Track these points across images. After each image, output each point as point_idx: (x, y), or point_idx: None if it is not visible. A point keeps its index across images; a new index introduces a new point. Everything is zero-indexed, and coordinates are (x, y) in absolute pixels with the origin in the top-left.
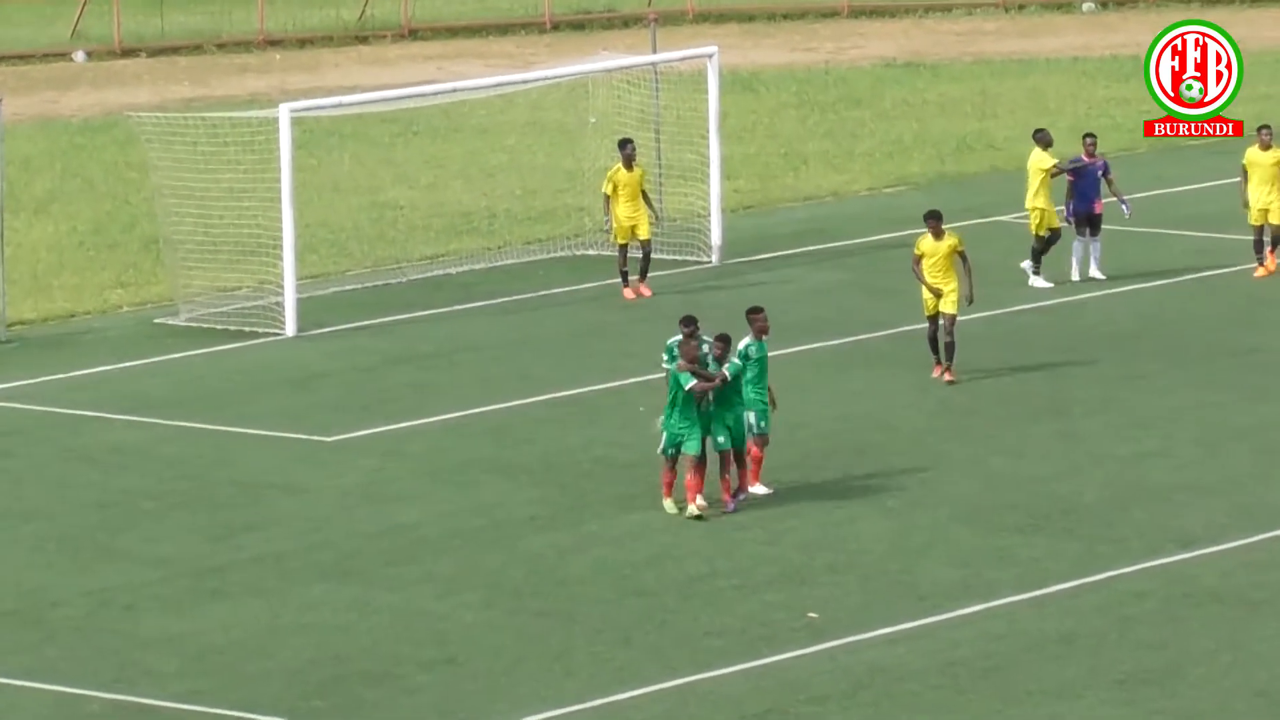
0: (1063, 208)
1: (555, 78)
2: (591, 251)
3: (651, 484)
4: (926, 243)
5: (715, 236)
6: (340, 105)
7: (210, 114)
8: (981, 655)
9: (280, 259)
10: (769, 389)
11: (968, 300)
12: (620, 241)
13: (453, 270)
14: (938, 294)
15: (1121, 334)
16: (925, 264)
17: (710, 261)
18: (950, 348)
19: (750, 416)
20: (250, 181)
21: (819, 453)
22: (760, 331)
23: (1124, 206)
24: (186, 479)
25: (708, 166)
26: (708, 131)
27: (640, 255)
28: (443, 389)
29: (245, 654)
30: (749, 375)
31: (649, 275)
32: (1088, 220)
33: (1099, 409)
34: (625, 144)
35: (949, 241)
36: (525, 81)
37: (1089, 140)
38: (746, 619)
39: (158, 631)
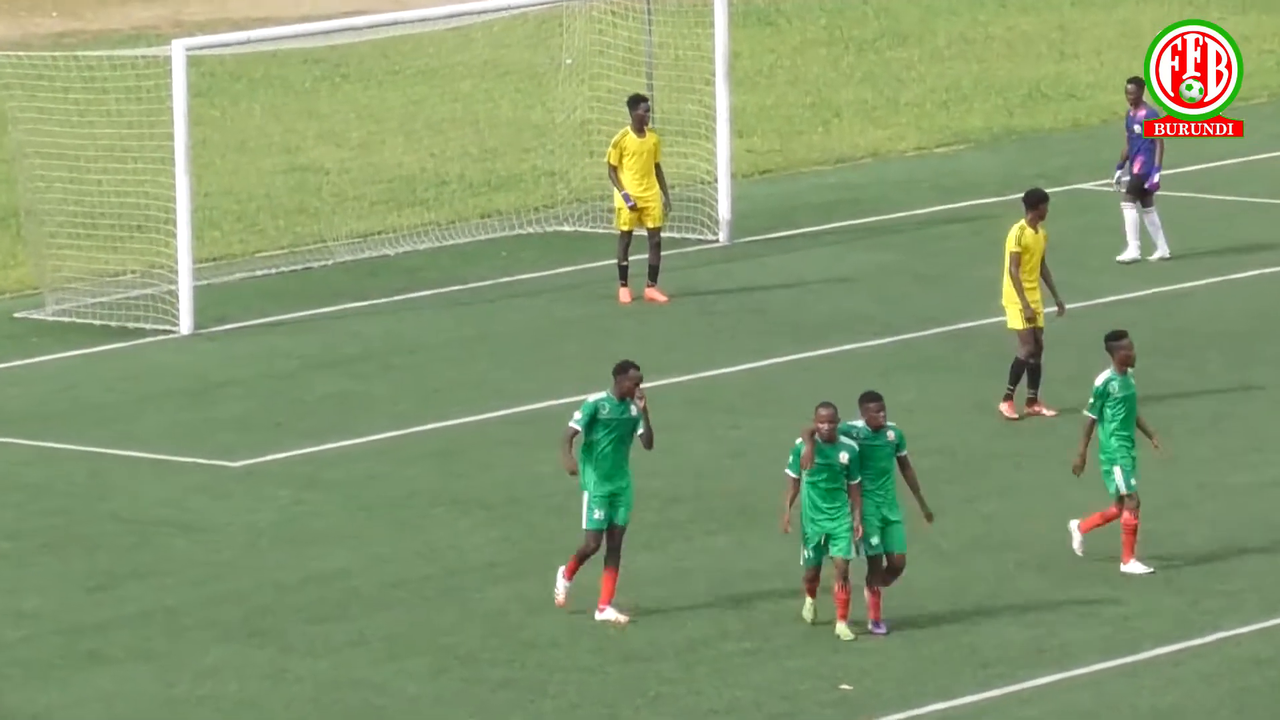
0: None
1: (521, 7)
2: (566, 228)
3: (644, 522)
4: (1029, 235)
5: (723, 209)
6: (249, 42)
7: (85, 53)
8: None
9: (173, 237)
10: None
11: (1057, 312)
12: (624, 227)
13: (391, 251)
14: (1028, 311)
15: (1234, 333)
16: (1025, 264)
17: (716, 240)
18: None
19: (1117, 473)
20: (135, 139)
21: None
22: (1124, 363)
23: (1119, 173)
24: (56, 514)
25: (713, 121)
26: (713, 76)
27: (649, 248)
28: (377, 401)
29: None
30: (1112, 420)
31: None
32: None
33: (1206, 428)
34: (637, 102)
35: (1045, 234)
36: (483, 12)
37: (1131, 86)
38: (762, 691)
39: (20, 704)
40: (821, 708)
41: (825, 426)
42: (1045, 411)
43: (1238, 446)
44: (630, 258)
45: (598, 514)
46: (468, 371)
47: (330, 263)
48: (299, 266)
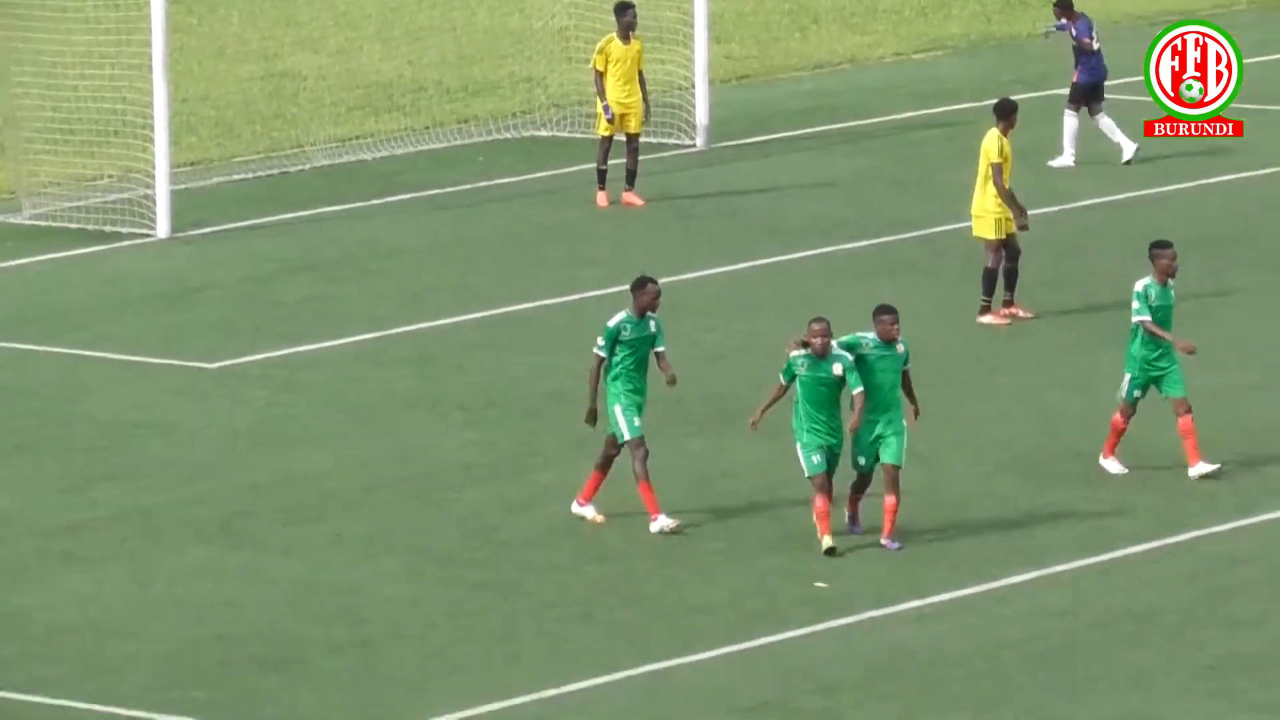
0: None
1: None
2: (543, 133)
3: None
4: (1007, 145)
5: (701, 114)
6: None
7: None
8: (1034, 635)
9: (150, 142)
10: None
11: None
12: (604, 133)
13: (368, 156)
14: (1022, 217)
15: (1211, 238)
16: (1007, 172)
17: (694, 145)
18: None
19: (1125, 381)
20: (113, 45)
21: None
22: (1165, 273)
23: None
24: (31, 415)
25: (691, 27)
26: None
27: (627, 153)
28: (354, 305)
29: (105, 634)
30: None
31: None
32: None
33: (1183, 332)
34: (625, 9)
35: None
36: None
37: (1056, 10)
38: (738, 591)
39: None
40: (797, 606)
41: (818, 341)
42: (1022, 313)
43: (1213, 349)
44: (609, 162)
45: (637, 421)
46: (444, 276)
47: (307, 167)
48: (276, 171)
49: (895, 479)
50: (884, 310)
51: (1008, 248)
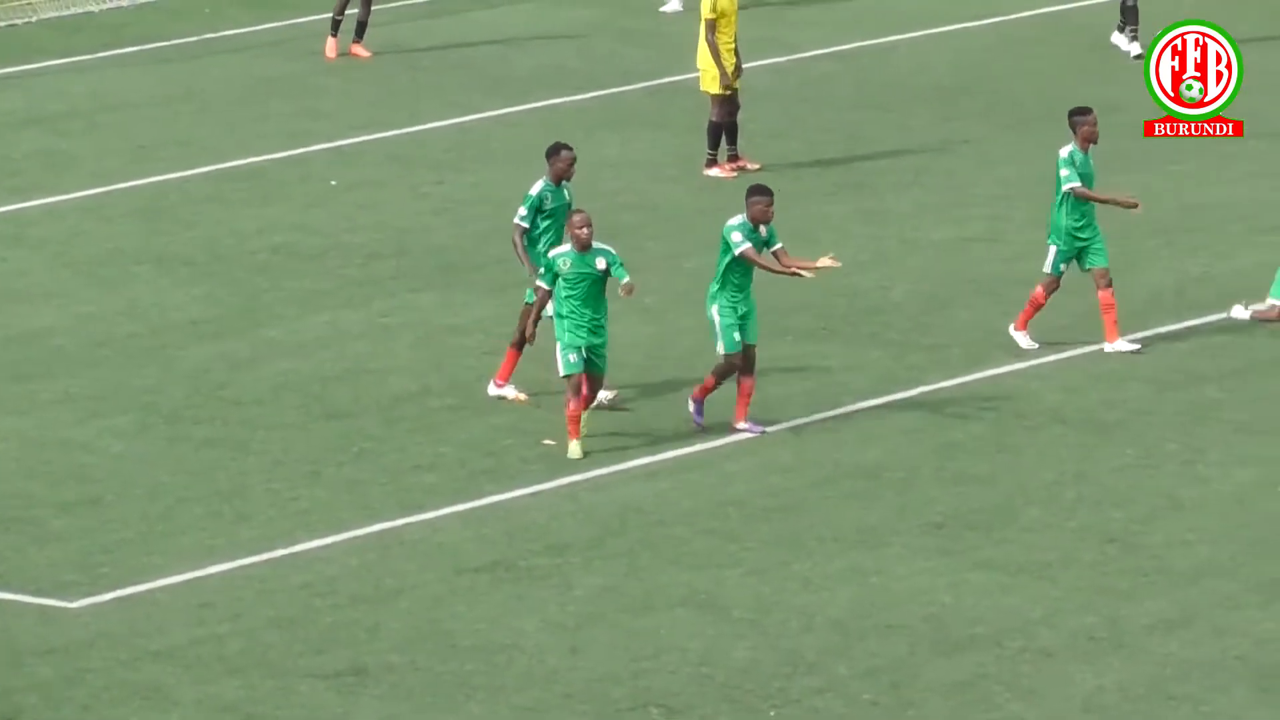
0: None
1: None
2: None
3: (347, 279)
4: (724, 0)
5: None
6: None
7: None
8: (761, 492)
9: None
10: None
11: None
12: None
13: (95, 8)
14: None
15: (940, 88)
16: (723, 29)
17: None
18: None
19: (1050, 252)
20: None
21: None
22: (1087, 139)
23: None
24: None
25: None
26: None
27: (359, 3)
28: (81, 158)
29: None
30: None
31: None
32: None
33: (910, 182)
34: None
35: None
36: None
37: None
38: (465, 446)
39: None
40: (525, 463)
41: (584, 231)
42: (750, 165)
43: (942, 201)
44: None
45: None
46: (172, 129)
47: (34, 20)
48: (2, 24)
49: (753, 358)
50: (761, 191)
51: (733, 101)
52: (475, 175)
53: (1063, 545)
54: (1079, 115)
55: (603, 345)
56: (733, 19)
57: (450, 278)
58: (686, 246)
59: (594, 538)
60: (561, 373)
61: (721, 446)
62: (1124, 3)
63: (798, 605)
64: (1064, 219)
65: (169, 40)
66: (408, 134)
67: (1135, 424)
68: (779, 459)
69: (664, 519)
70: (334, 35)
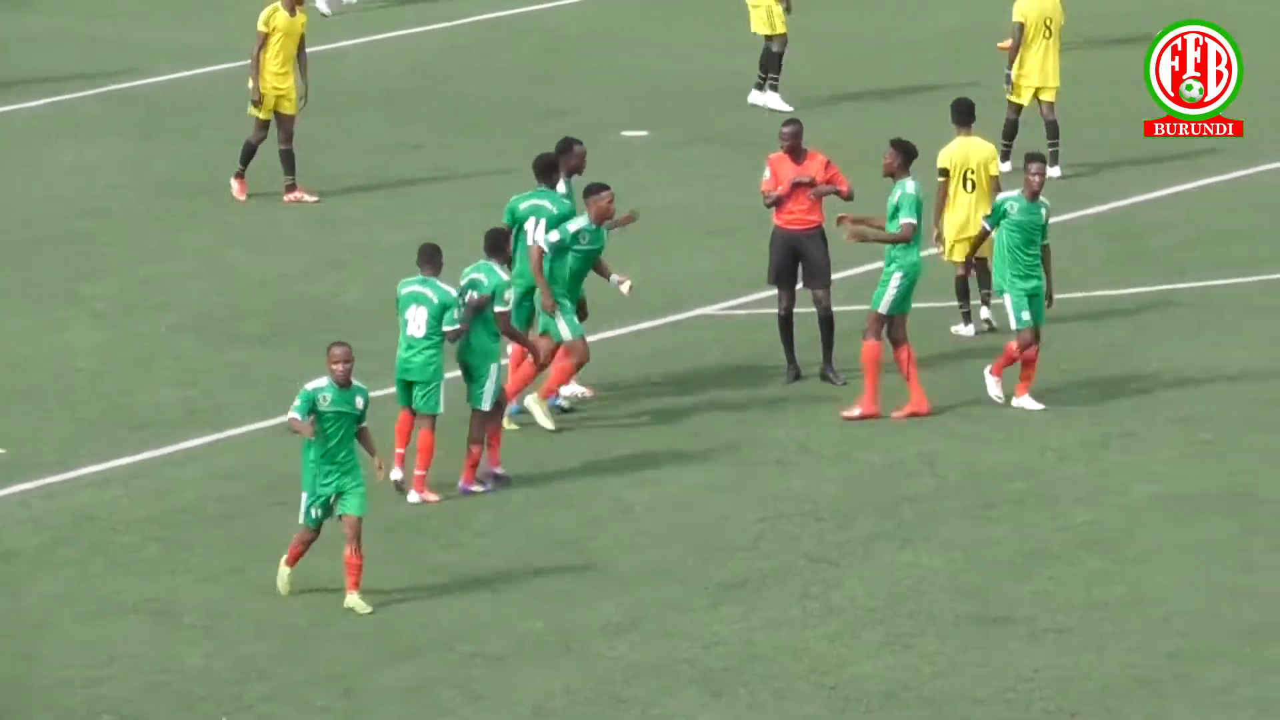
0: None
1: None
2: None
3: None
4: (281, 17)
5: None
6: None
7: None
8: (209, 499)
9: None
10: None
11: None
12: None
13: None
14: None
15: (391, 92)
16: (277, 47)
17: None
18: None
19: (1006, 302)
20: None
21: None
22: (1031, 189)
23: None
24: None
25: None
26: None
27: None
28: None
29: None
30: (1009, 244)
31: None
32: None
33: (364, 185)
34: None
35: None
36: None
37: None
38: None
39: None
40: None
41: (340, 368)
42: (307, 198)
43: (390, 207)
44: None
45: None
46: None
47: None
48: None
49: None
50: (601, 187)
51: (281, 126)
52: None
53: (513, 550)
54: (1032, 162)
55: (359, 484)
56: (293, 41)
57: None
58: (141, 252)
59: (45, 545)
60: (300, 521)
61: (172, 453)
62: (767, 49)
63: (251, 612)
64: (1004, 265)
65: None
66: None
67: (586, 430)
68: (227, 465)
69: (116, 527)
70: None
